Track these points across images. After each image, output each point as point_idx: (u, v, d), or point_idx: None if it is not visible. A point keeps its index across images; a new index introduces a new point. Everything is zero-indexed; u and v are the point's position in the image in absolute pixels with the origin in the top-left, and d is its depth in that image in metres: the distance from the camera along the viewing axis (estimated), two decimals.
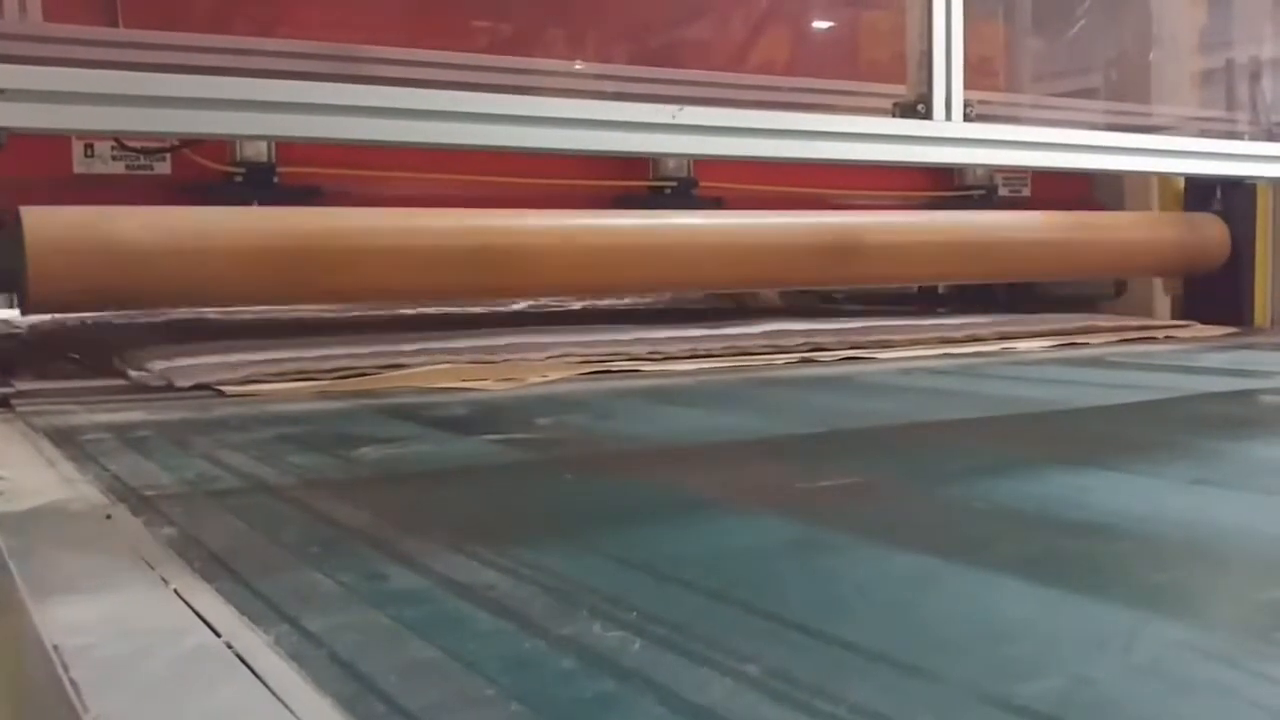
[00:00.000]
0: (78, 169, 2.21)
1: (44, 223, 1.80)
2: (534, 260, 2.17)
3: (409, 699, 0.56)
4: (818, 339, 2.46)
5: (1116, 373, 2.11)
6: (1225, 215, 2.97)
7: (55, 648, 0.62)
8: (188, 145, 2.22)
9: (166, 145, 2.23)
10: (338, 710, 0.55)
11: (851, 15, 3.27)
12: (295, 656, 0.61)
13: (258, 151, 2.28)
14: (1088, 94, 3.26)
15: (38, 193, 2.15)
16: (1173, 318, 3.07)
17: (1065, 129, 2.07)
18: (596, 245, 2.25)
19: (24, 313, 1.83)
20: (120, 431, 1.46)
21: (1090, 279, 3.11)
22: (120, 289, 1.87)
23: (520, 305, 2.17)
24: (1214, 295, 3.04)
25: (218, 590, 0.74)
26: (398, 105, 1.51)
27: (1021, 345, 2.55)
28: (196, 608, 0.70)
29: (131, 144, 2.22)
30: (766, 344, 2.40)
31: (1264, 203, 3.00)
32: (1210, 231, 2.97)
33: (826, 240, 2.46)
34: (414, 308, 2.12)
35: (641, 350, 2.28)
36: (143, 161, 2.25)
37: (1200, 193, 3.07)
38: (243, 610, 0.69)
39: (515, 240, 2.17)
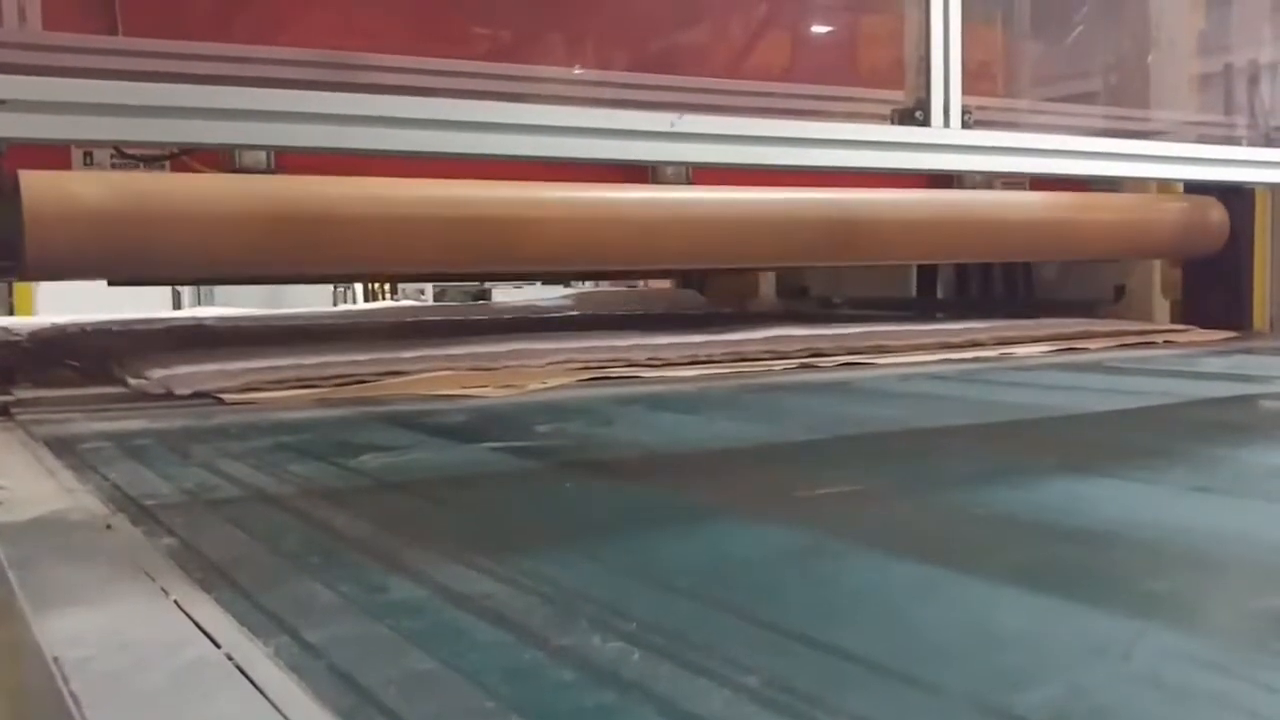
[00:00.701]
0: None
1: (42, 187, 1.79)
2: (528, 231, 2.16)
3: (408, 711, 0.56)
4: (817, 344, 2.46)
5: (1116, 378, 2.11)
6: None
7: (55, 659, 0.62)
8: (187, 153, 2.22)
9: (166, 153, 2.23)
10: None
11: (850, 21, 3.27)
12: (295, 668, 0.61)
13: (256, 159, 2.28)
14: (1086, 98, 3.26)
15: None
16: (1172, 322, 3.07)
17: (1063, 135, 2.07)
18: (594, 218, 2.25)
19: (23, 279, 1.82)
20: (120, 440, 1.46)
21: (1090, 259, 3.10)
22: (122, 253, 1.87)
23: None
24: (1213, 299, 3.04)
25: (217, 601, 0.74)
26: (397, 114, 1.51)
27: (1020, 350, 2.55)
28: (196, 619, 0.70)
29: (131, 151, 2.22)
30: (766, 350, 2.40)
31: (1262, 207, 3.00)
32: (1210, 213, 2.98)
33: (828, 217, 2.46)
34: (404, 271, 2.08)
35: (641, 356, 2.28)
36: (142, 169, 2.25)
37: (1198, 195, 3.07)
38: (242, 621, 0.69)
39: (507, 211, 2.16)
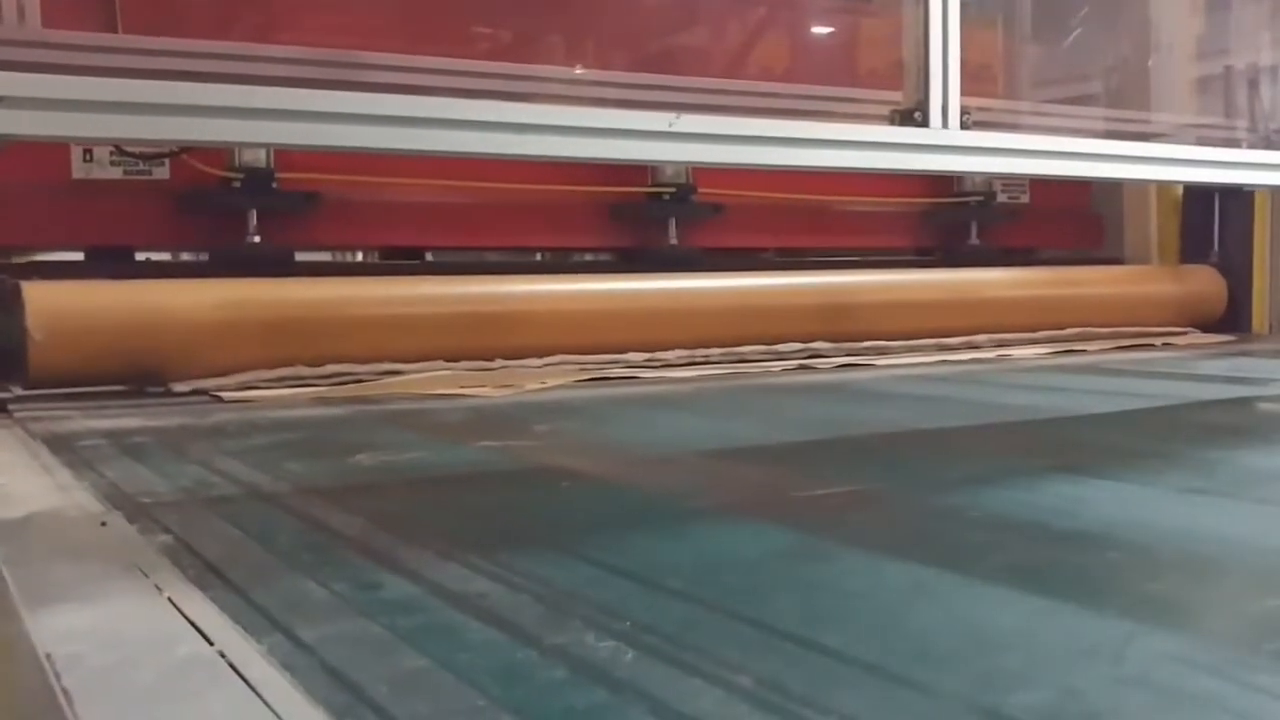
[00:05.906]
0: (76, 174, 2.21)
1: (45, 300, 1.83)
2: (524, 324, 2.22)
3: (400, 709, 0.56)
4: (815, 346, 2.46)
5: (1114, 380, 2.11)
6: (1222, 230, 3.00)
7: (48, 656, 0.62)
8: (186, 151, 2.22)
9: (165, 151, 2.24)
10: None
11: (850, 21, 3.27)
12: (287, 666, 0.61)
13: (256, 157, 2.28)
14: (1086, 101, 3.26)
15: (37, 198, 2.16)
16: (1170, 325, 3.07)
17: (1063, 136, 2.07)
18: (587, 310, 2.31)
19: (25, 389, 1.86)
20: (117, 438, 1.46)
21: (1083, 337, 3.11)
22: (127, 363, 1.91)
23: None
24: None
25: (211, 599, 0.74)
26: (397, 113, 1.50)
27: (1018, 352, 2.55)
28: (190, 616, 0.70)
29: (130, 149, 2.22)
30: (764, 351, 2.40)
31: (1261, 209, 3.00)
32: (1207, 286, 2.99)
33: (817, 301, 2.53)
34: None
35: (639, 357, 2.28)
36: (141, 167, 2.25)
37: (1198, 197, 3.07)
38: (236, 619, 0.69)
39: (507, 306, 2.22)
